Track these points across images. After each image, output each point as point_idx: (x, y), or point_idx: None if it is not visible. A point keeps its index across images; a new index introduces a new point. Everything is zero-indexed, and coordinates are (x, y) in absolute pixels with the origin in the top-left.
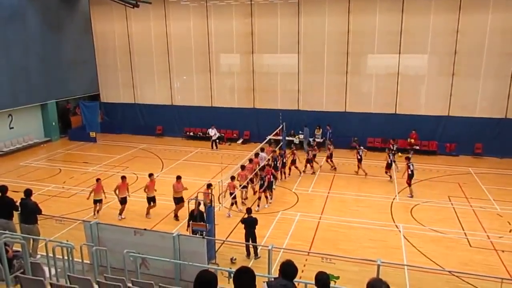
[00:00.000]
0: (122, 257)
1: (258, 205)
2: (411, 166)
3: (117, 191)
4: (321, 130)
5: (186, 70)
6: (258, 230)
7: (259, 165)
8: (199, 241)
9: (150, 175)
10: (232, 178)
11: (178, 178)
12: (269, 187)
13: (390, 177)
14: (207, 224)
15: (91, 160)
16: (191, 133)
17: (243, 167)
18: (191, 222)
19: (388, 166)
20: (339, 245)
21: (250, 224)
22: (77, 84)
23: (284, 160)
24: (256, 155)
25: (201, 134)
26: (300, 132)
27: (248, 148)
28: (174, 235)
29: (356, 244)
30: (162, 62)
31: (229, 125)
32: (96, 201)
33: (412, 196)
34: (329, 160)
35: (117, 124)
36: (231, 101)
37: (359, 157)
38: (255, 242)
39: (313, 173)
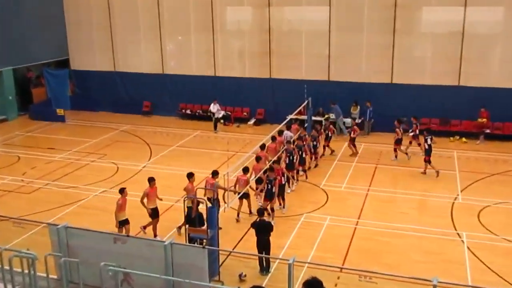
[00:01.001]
0: (99, 271)
1: (272, 209)
2: (428, 140)
3: (145, 200)
4: (358, 107)
5: (181, 28)
6: (275, 238)
7: (283, 147)
8: (198, 252)
9: (151, 180)
10: (245, 170)
11: (190, 176)
12: (281, 192)
13: (407, 154)
14: (209, 230)
15: (59, 145)
16: (188, 111)
17: (258, 159)
18: (187, 226)
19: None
20: (381, 258)
21: (262, 229)
22: (40, 47)
23: (315, 144)
24: (280, 132)
25: (200, 112)
26: (330, 110)
27: (263, 130)
28: (165, 243)
29: (404, 257)
30: (150, 18)
31: (237, 101)
32: (122, 223)
33: (438, 175)
34: (351, 144)
35: (92, 99)
36: (240, 70)
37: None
38: (268, 252)
39: (354, 154)
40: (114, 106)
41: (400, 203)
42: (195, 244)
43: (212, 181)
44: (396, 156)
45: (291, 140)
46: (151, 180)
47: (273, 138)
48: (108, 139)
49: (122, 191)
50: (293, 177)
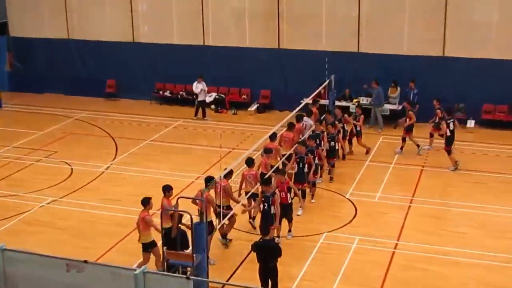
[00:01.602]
0: None
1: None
2: (450, 125)
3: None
4: (398, 90)
5: None
6: (283, 266)
7: (301, 136)
8: (180, 284)
9: (167, 189)
10: (250, 163)
11: (167, 190)
12: (286, 214)
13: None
14: (195, 255)
15: None
16: (168, 93)
17: (267, 151)
18: (165, 249)
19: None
20: None
21: (266, 253)
22: None
23: (333, 146)
24: (299, 118)
25: (184, 94)
26: (364, 92)
27: (268, 119)
28: (136, 272)
29: None
30: None
31: (234, 79)
32: (147, 247)
33: (456, 168)
34: (358, 139)
35: (38, 77)
36: (238, 38)
37: (448, 133)
38: (275, 285)
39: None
40: (68, 87)
41: (453, 220)
42: (177, 274)
43: (224, 183)
44: (402, 148)
45: (305, 137)
46: (167, 189)
47: (290, 126)
48: (59, 130)
49: (147, 202)
50: (303, 193)
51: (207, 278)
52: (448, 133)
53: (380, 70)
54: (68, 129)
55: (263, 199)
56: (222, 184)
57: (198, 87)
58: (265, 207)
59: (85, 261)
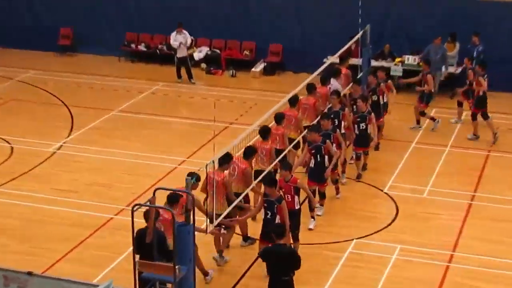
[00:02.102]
0: None
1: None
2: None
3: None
4: (457, 46)
5: None
6: (298, 283)
7: (328, 104)
8: None
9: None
10: (264, 134)
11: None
12: (293, 226)
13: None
14: (178, 266)
15: None
16: (142, 47)
17: (279, 119)
18: (137, 260)
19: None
20: None
21: (280, 261)
22: None
23: (364, 129)
24: (324, 79)
25: (164, 48)
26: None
27: (278, 83)
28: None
29: None
30: None
31: (233, 29)
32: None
33: (476, 137)
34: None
35: None
36: None
37: (480, 93)
38: None
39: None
40: (8, 38)
41: None
42: None
43: (244, 165)
44: (418, 122)
45: (322, 123)
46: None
47: (310, 88)
48: None
49: (176, 200)
50: (321, 195)
51: None
52: (481, 93)
53: (431, 19)
54: (8, 94)
55: (265, 204)
56: (241, 167)
57: (177, 39)
58: (268, 216)
59: (30, 273)
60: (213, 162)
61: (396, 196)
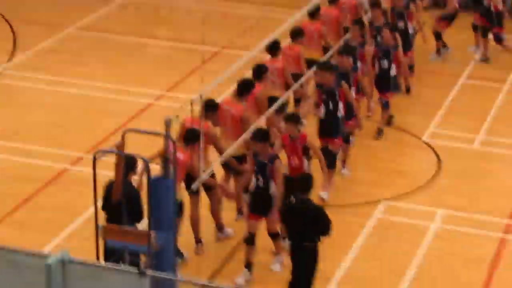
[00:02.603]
0: None
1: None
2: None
3: None
4: None
5: None
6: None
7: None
8: (127, 283)
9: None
10: (273, 48)
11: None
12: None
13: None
14: (154, 233)
15: None
16: None
17: (296, 35)
18: (102, 226)
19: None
20: None
21: (303, 221)
22: None
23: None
24: None
25: None
26: None
27: None
28: (50, 260)
29: None
30: None
31: None
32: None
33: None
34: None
35: None
36: None
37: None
38: (305, 281)
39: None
40: None
41: None
42: (121, 265)
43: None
44: (439, 50)
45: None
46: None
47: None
48: None
49: (196, 136)
50: (330, 156)
51: (175, 274)
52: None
53: None
54: None
55: (256, 167)
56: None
57: None
58: (258, 182)
59: None
60: (200, 96)
61: (438, 146)
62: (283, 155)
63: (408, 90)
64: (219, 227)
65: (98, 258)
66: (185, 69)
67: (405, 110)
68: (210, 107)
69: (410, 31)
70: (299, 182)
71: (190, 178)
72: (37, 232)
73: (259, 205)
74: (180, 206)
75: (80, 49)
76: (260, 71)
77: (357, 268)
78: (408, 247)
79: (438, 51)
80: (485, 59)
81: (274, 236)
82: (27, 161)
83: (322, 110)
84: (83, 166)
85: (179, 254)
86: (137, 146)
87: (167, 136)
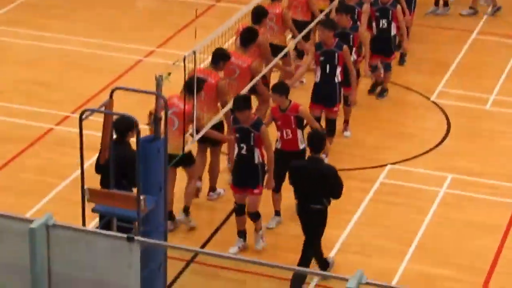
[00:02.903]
0: None
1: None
2: None
3: None
4: None
5: None
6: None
7: None
8: (116, 249)
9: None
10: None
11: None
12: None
13: None
14: (143, 197)
15: None
16: None
17: None
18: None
19: None
20: None
21: (312, 181)
22: None
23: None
24: None
25: None
26: None
27: None
28: (33, 223)
29: None
30: None
31: None
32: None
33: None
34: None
35: None
36: None
37: None
38: (319, 254)
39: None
40: None
41: None
42: (110, 231)
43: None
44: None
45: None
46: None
47: None
48: None
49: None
50: (330, 123)
51: (165, 240)
52: None
53: None
54: None
55: (237, 135)
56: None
57: None
58: (242, 151)
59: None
60: (194, 53)
61: (447, 106)
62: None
63: (402, 60)
64: (212, 187)
65: (84, 223)
66: (177, 23)
67: (412, 69)
68: (223, 57)
69: None
70: (311, 140)
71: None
72: (20, 195)
73: (242, 177)
74: (189, 157)
75: (63, 2)
76: (259, 14)
77: (362, 235)
78: (415, 213)
79: (437, 3)
80: (496, 9)
81: (253, 216)
82: (9, 120)
83: (318, 73)
84: (68, 126)
85: (171, 217)
86: (126, 105)
87: (158, 95)
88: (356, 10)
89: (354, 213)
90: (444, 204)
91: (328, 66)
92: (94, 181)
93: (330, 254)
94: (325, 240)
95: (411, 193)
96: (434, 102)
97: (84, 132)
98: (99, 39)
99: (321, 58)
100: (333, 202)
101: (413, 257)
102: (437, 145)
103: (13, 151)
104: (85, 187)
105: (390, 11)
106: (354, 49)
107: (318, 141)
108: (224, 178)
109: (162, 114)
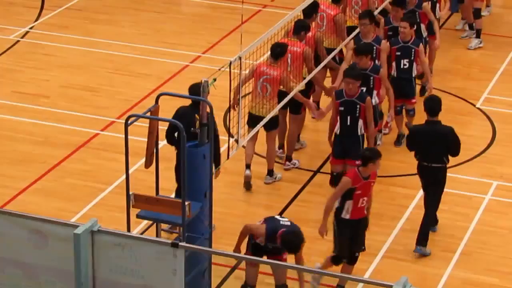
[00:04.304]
0: None
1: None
2: None
3: None
4: None
5: None
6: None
7: None
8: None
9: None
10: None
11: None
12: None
13: None
14: (187, 203)
15: None
16: None
17: None
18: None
19: None
20: None
21: (432, 141)
22: None
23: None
24: None
25: None
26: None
27: None
28: (78, 229)
29: None
30: None
31: None
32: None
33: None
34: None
35: None
36: None
37: None
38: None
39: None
40: None
41: None
42: (155, 237)
43: (334, 11)
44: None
45: None
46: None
47: None
48: None
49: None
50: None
51: (210, 246)
52: None
53: None
54: None
55: (341, 108)
56: (331, 14)
57: None
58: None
59: None
60: (239, 58)
61: (493, 112)
62: None
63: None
64: (289, 156)
65: (129, 229)
66: (223, 29)
67: (456, 75)
68: (303, 28)
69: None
70: (427, 104)
71: (284, 95)
72: (65, 200)
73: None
74: (275, 121)
75: (109, 8)
76: (312, 7)
77: (406, 242)
78: (459, 220)
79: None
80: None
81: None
82: (55, 125)
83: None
84: (114, 132)
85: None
86: (172, 111)
87: (203, 100)
88: (375, 48)
89: (399, 220)
90: (489, 211)
91: (349, 117)
92: (139, 186)
93: (375, 259)
94: (370, 247)
95: (456, 199)
96: (479, 109)
97: (129, 137)
98: (145, 44)
99: (341, 108)
100: (377, 209)
101: (458, 264)
102: (482, 152)
103: (59, 156)
104: (130, 192)
105: (413, 50)
106: (375, 92)
107: (434, 104)
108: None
109: (208, 119)
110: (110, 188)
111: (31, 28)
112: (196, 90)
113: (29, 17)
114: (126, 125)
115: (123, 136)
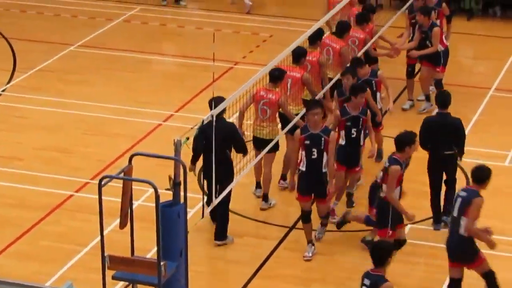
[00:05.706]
0: None
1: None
2: None
3: None
4: None
5: None
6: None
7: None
8: None
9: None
10: (343, 30)
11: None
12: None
13: None
14: (163, 263)
15: None
16: None
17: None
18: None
19: None
20: None
21: (442, 131)
22: None
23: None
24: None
25: None
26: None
27: (303, 7)
28: None
29: None
30: None
31: None
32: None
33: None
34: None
35: None
36: None
37: None
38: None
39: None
40: None
41: None
42: None
43: (340, 44)
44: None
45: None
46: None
47: (361, 20)
48: None
49: (281, 76)
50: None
51: None
52: None
53: None
54: None
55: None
56: (336, 47)
57: None
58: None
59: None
60: (212, 116)
61: (467, 163)
62: None
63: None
64: (284, 175)
65: None
66: (195, 88)
67: (482, 127)
68: (303, 55)
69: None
70: (439, 97)
71: (285, 118)
72: (40, 263)
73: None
74: (276, 144)
75: (82, 68)
76: (344, 27)
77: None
78: (435, 273)
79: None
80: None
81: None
82: (29, 188)
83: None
84: (88, 193)
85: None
86: (146, 170)
87: (176, 160)
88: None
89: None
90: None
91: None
92: (114, 247)
93: None
94: None
95: (427, 251)
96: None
97: (103, 198)
98: (117, 104)
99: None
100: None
101: None
102: None
103: (34, 218)
104: (106, 254)
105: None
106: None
107: (446, 98)
108: None
109: (181, 178)
110: (85, 250)
111: (3, 90)
112: (218, 102)
113: (1, 79)
114: (100, 186)
115: (97, 197)
